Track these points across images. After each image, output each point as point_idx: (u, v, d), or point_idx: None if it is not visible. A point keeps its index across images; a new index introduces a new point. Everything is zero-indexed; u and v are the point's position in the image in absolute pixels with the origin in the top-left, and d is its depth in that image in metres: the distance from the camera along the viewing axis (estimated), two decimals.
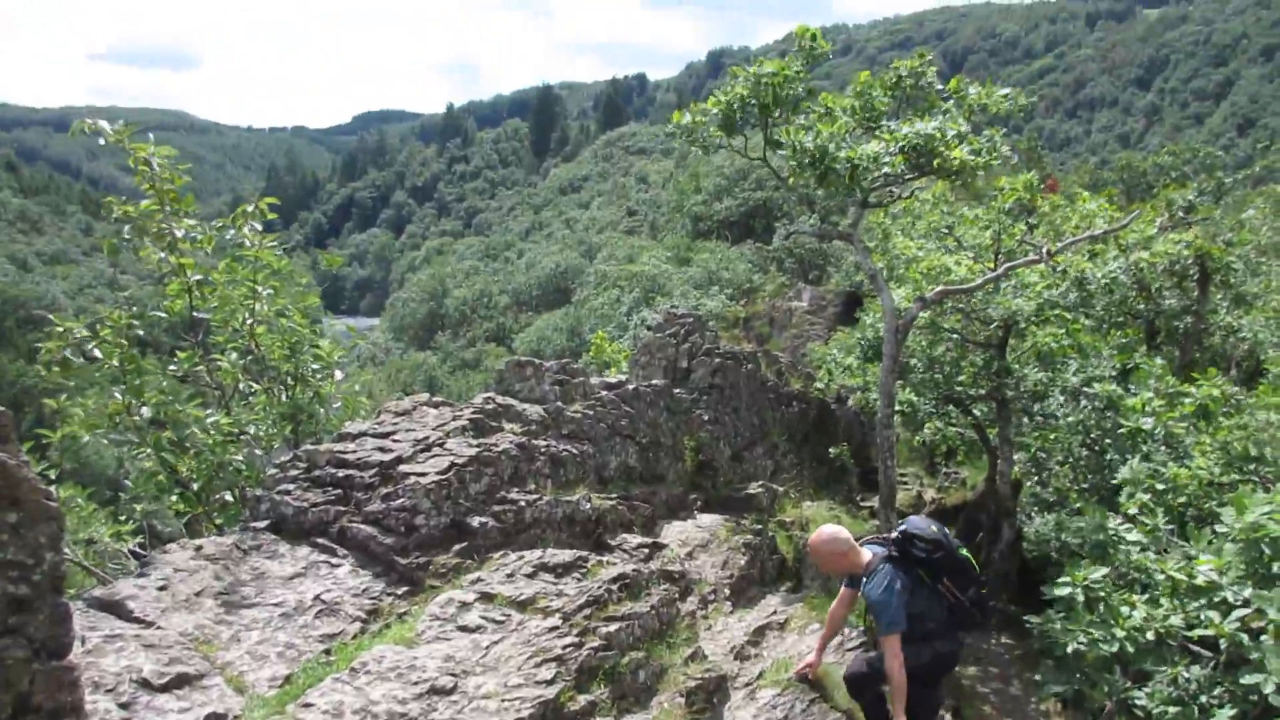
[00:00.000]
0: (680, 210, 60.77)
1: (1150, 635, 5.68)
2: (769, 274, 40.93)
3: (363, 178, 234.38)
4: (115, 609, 4.99)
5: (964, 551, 5.76)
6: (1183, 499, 7.18)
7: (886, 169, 8.14)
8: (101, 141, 7.53)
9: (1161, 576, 5.95)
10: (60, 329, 7.22)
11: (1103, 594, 6.11)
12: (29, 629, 3.44)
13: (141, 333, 7.81)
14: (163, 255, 7.66)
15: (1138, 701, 5.78)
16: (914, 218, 15.45)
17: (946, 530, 5.73)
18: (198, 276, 8.02)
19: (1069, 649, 5.94)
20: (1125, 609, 5.88)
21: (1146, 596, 6.02)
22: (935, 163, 7.96)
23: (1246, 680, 4.64)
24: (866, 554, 5.80)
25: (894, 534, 5.75)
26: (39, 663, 3.47)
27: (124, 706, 4.14)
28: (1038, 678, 6.74)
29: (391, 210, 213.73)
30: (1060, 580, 6.38)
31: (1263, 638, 4.97)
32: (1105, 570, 6.33)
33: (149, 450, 7.34)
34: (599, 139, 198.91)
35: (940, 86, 8.83)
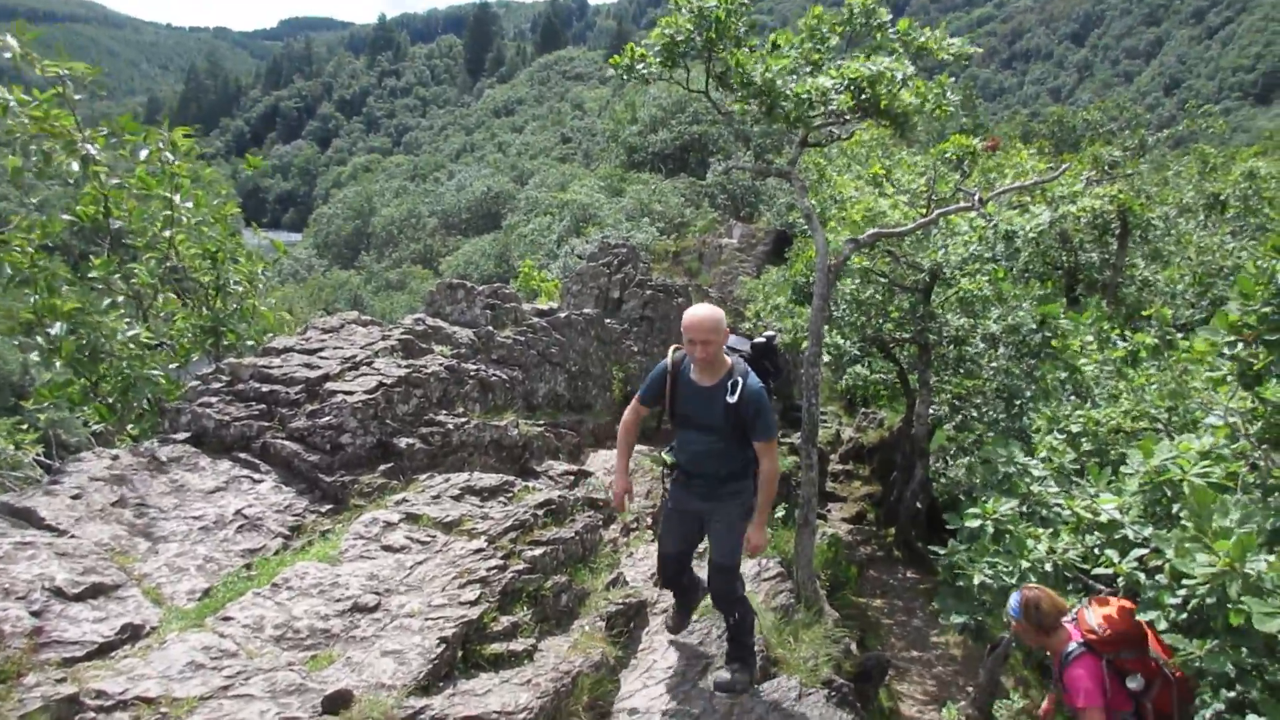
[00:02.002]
0: (615, 140, 60.04)
1: (1049, 568, 5.92)
2: (701, 209, 40.79)
3: (288, 86, 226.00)
4: (26, 516, 4.86)
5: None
6: (1090, 444, 7.45)
7: (834, 105, 8.11)
8: (6, 56, 7.01)
9: (1067, 513, 6.18)
10: None
11: (1010, 527, 6.33)
12: None
13: (50, 243, 7.49)
14: (76, 168, 7.28)
15: None
16: (850, 159, 15.52)
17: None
18: (115, 181, 7.67)
19: (975, 580, 6.15)
20: (1030, 542, 6.11)
21: (1051, 530, 6.26)
22: (882, 104, 7.95)
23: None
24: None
25: (758, 340, 5.50)
26: None
27: (36, 614, 4.06)
28: (936, 605, 6.96)
29: (317, 122, 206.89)
30: (970, 511, 6.58)
31: (1158, 576, 5.22)
32: (1014, 502, 6.55)
33: (59, 360, 7.07)
34: (536, 61, 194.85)
35: (890, 25, 8.79)
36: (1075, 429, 7.58)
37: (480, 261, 54.42)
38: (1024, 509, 6.76)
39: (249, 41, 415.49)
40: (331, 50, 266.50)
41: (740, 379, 4.97)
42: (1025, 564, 5.97)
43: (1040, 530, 6.25)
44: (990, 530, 6.40)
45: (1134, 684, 4.84)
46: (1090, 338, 10.10)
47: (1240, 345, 5.36)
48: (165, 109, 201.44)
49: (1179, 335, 8.57)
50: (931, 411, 14.13)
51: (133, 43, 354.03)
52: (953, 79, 8.83)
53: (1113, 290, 14.83)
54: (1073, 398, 10.74)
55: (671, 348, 5.22)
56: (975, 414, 13.30)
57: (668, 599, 6.82)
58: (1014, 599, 5.21)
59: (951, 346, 13.54)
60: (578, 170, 71.38)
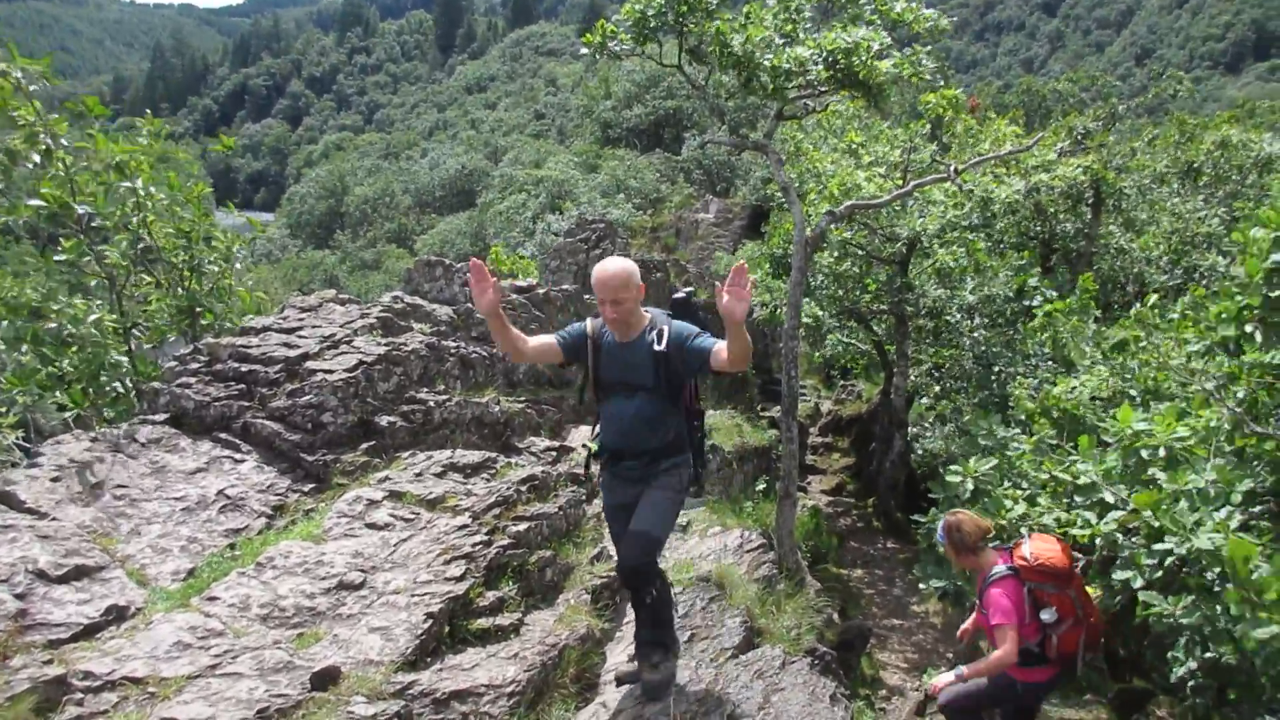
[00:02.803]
0: (589, 116, 59.71)
1: (1024, 531, 6.01)
2: (676, 184, 40.71)
3: (256, 64, 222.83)
4: (6, 499, 4.83)
5: None
6: (1066, 411, 7.54)
7: (812, 76, 8.11)
8: None
9: (1045, 477, 6.27)
10: None
11: (989, 486, 6.41)
12: None
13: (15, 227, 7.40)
14: (37, 158, 7.18)
15: None
16: (827, 132, 15.52)
17: None
18: (84, 164, 7.57)
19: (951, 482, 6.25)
20: (1008, 502, 6.20)
21: (1027, 492, 6.36)
22: (860, 74, 7.94)
23: (1119, 576, 4.98)
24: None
25: (677, 296, 4.96)
26: None
27: (20, 597, 4.04)
28: (915, 573, 7.06)
29: (287, 100, 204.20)
30: (952, 469, 6.64)
31: (1134, 538, 5.32)
32: (994, 461, 6.62)
33: (27, 345, 6.99)
34: (508, 37, 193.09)
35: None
36: (1055, 395, 7.66)
37: (456, 240, 54.01)
38: (1003, 473, 6.85)
39: (215, 19, 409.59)
40: (300, 26, 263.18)
41: (664, 326, 4.48)
42: (1002, 522, 6.05)
43: (1018, 492, 6.34)
44: (970, 489, 6.47)
45: (1047, 616, 5.08)
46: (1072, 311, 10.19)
47: (1248, 328, 5.44)
48: (131, 88, 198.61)
49: (1158, 312, 8.64)
50: (910, 381, 14.24)
51: (96, 20, 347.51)
52: (926, 49, 8.84)
53: (1087, 259, 14.95)
54: (1050, 363, 10.87)
55: (589, 319, 4.72)
56: (953, 383, 13.42)
57: None
58: (940, 524, 5.46)
59: (929, 318, 13.64)
60: (552, 147, 70.93)
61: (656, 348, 4.42)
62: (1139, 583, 5.01)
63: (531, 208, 39.82)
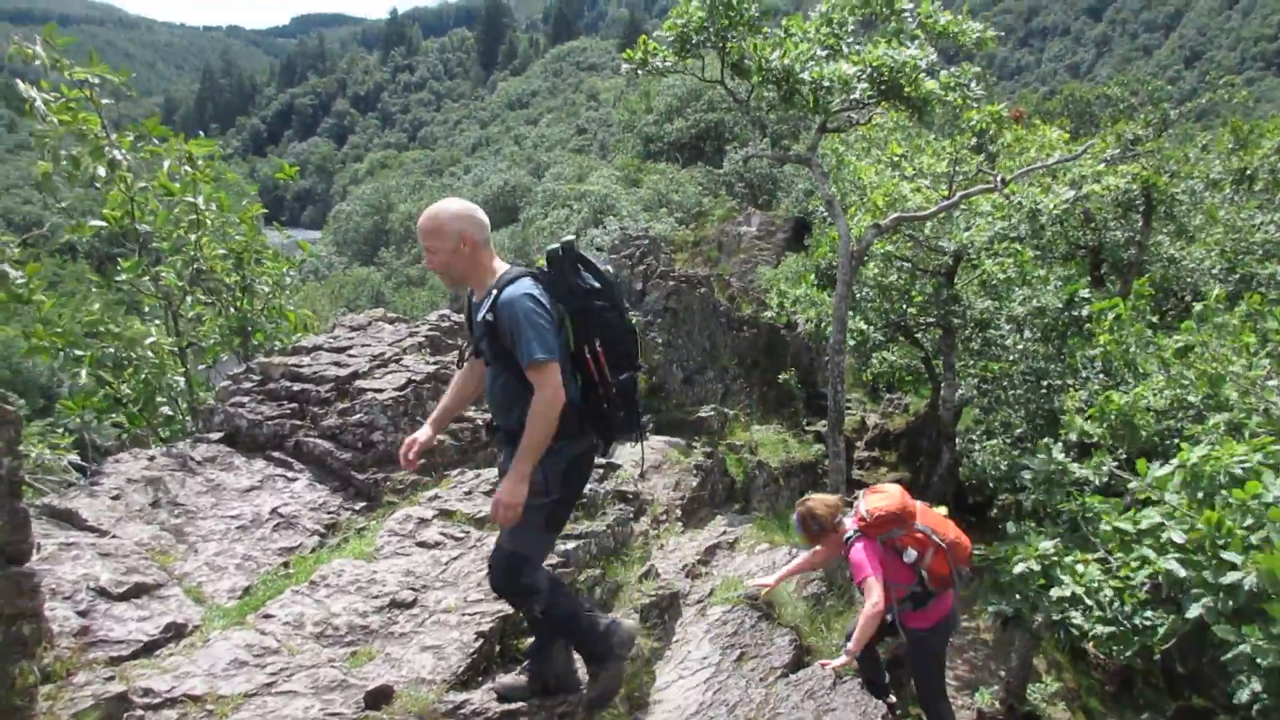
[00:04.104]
0: (631, 130, 60.04)
1: (1109, 592, 5.91)
2: (718, 198, 40.73)
3: (302, 84, 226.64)
4: (69, 518, 4.93)
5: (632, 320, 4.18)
6: (1131, 429, 7.38)
7: (856, 94, 8.09)
8: (37, 63, 7.06)
9: (1109, 530, 6.12)
10: None
11: (1055, 559, 6.29)
12: None
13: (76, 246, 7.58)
14: (102, 172, 7.34)
15: (1074, 621, 6.04)
16: (869, 145, 15.43)
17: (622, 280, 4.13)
18: (141, 185, 7.74)
19: (1014, 570, 6.15)
20: (1080, 566, 6.11)
21: (1098, 555, 6.23)
22: (906, 91, 7.90)
23: (1191, 613, 4.89)
24: (503, 265, 4.07)
25: (550, 248, 4.02)
26: None
27: (82, 614, 4.12)
28: (977, 598, 6.97)
29: (333, 119, 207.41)
30: (1016, 558, 6.48)
31: (1204, 572, 5.18)
32: (1053, 542, 6.46)
33: (85, 369, 7.15)
34: (548, 53, 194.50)
35: (908, 9, 8.73)
36: (1117, 408, 7.50)
37: (499, 255, 54.47)
38: (1067, 529, 6.73)
39: (262, 39, 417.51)
40: (345, 46, 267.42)
41: (499, 289, 3.79)
42: (1079, 589, 5.97)
43: (1088, 556, 6.22)
44: (1038, 568, 6.34)
45: (908, 557, 5.35)
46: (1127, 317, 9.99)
47: None
48: (182, 108, 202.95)
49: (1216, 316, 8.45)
50: (958, 395, 14.08)
51: (147, 43, 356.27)
52: (970, 61, 8.78)
53: (1137, 269, 14.69)
54: (1101, 375, 10.68)
55: None
56: (1002, 395, 13.24)
57: (701, 589, 6.84)
58: (794, 519, 5.78)
59: (976, 329, 13.48)
60: (594, 162, 71.36)
61: (486, 316, 3.82)
62: (1206, 614, 4.90)
63: (574, 223, 40.06)
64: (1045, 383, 12.03)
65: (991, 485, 12.75)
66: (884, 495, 5.50)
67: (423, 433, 4.23)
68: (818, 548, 5.95)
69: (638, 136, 56.76)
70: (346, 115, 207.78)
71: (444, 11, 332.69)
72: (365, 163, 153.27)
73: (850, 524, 5.53)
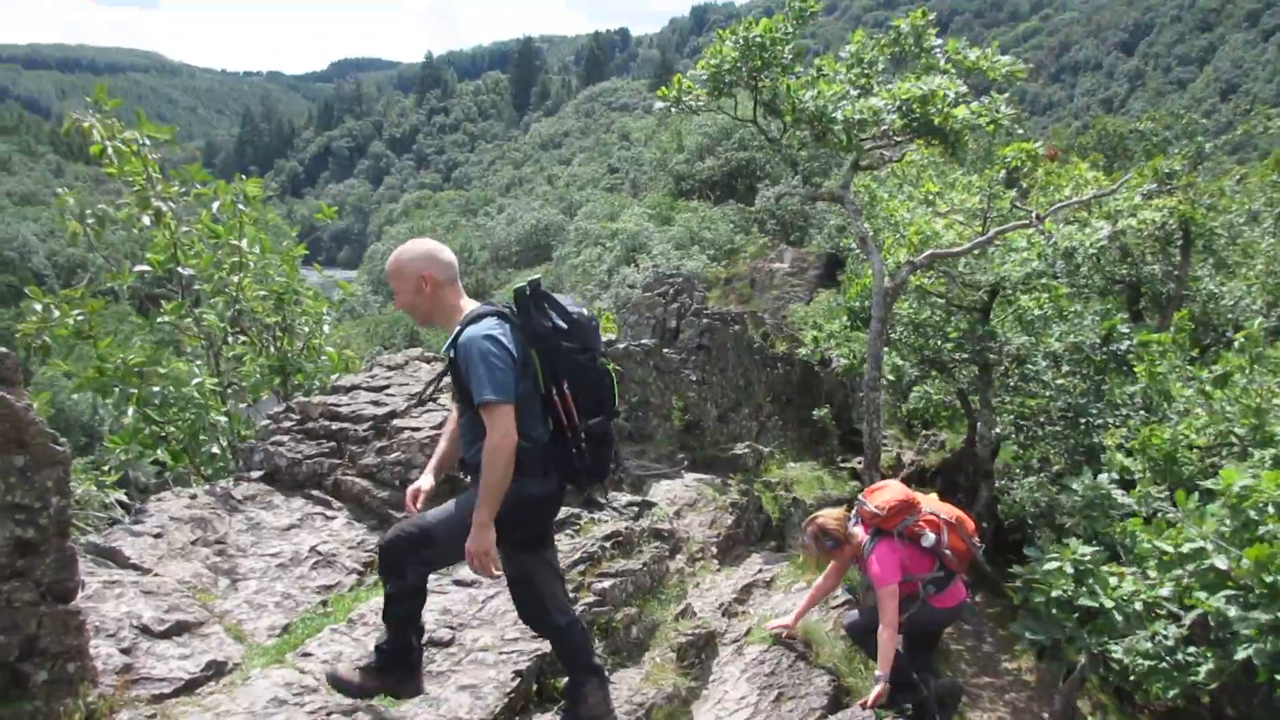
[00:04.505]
0: (662, 168, 60.48)
1: (1139, 605, 5.82)
2: (750, 235, 40.86)
3: (339, 126, 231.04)
4: (112, 556, 5.01)
5: (609, 364, 4.14)
6: (1172, 463, 7.28)
7: (886, 126, 8.13)
8: (96, 137, 7.32)
9: (1149, 546, 6.04)
10: (38, 306, 7.10)
11: (1090, 566, 6.20)
12: (36, 572, 3.46)
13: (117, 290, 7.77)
14: (147, 220, 7.55)
15: (1114, 655, 5.92)
16: (902, 182, 15.45)
17: (596, 322, 4.12)
18: (185, 228, 7.92)
19: (1053, 593, 6.07)
20: (1114, 579, 6.01)
21: (1135, 569, 6.14)
22: (936, 120, 7.92)
23: (1240, 655, 4.79)
24: (472, 303, 4.08)
25: (518, 286, 4.01)
26: (45, 606, 3.50)
27: (125, 651, 4.17)
28: (1013, 629, 6.87)
29: (369, 161, 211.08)
30: (1049, 556, 6.43)
31: (1252, 611, 5.07)
32: (1092, 550, 6.39)
33: (131, 407, 7.29)
34: (580, 94, 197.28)
35: (937, 46, 8.78)
36: (1159, 441, 7.41)
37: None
38: (1103, 546, 6.64)
39: (301, 84, 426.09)
40: (381, 90, 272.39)
41: (462, 327, 3.82)
42: (1109, 603, 5.87)
43: (1124, 569, 6.13)
44: (1070, 571, 6.26)
45: (927, 541, 5.38)
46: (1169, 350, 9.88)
47: None
48: (222, 153, 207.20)
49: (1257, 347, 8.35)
50: (995, 432, 13.93)
51: (189, 89, 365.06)
52: (1004, 95, 8.79)
53: (1176, 303, 14.53)
54: (1141, 412, 10.53)
55: None
56: (1040, 432, 13.09)
57: (737, 629, 6.80)
58: (805, 539, 5.78)
59: (1013, 365, 13.36)
60: (626, 200, 71.82)
61: (447, 351, 3.89)
62: (1255, 655, 4.80)
63: (607, 261, 40.31)
64: (1084, 419, 11.88)
65: (1030, 522, 12.55)
66: (886, 489, 5.58)
67: (425, 481, 4.23)
68: (830, 566, 6.00)
69: (669, 175, 57.14)
70: (382, 157, 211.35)
71: (478, 54, 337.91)
72: (400, 204, 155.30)
73: (862, 531, 5.58)
